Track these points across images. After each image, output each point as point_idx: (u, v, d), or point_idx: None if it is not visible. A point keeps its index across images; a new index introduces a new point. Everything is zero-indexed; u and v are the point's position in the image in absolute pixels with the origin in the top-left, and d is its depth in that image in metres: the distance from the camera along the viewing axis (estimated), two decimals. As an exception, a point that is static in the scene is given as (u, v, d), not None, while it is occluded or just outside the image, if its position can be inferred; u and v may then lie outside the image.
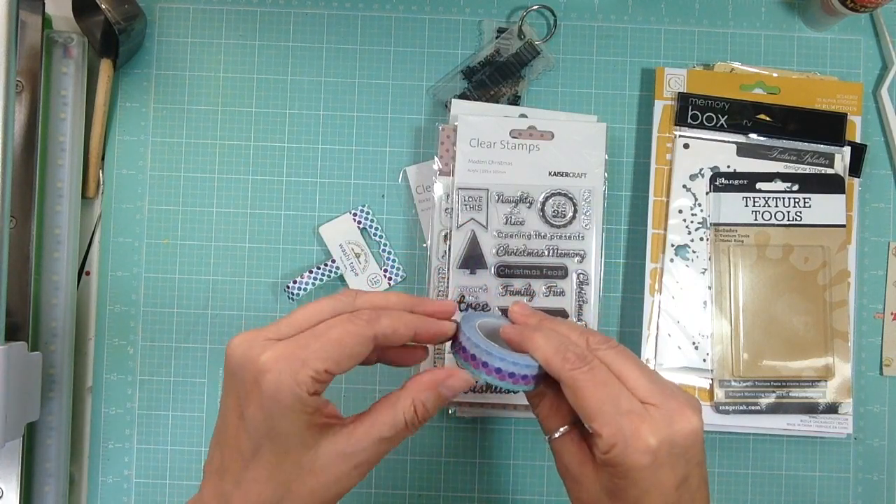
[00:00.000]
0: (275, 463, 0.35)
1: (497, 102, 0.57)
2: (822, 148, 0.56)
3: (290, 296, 0.56)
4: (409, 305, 0.39)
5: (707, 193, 0.56)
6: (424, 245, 0.57)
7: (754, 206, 0.56)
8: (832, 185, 0.56)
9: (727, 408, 0.55)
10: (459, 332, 0.40)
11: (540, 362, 0.37)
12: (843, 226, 0.56)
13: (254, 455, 0.35)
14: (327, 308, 0.37)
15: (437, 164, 0.56)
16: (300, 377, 0.33)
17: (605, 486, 0.36)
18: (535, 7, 0.58)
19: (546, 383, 0.39)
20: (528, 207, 0.55)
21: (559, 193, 0.55)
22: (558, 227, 0.55)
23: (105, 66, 0.56)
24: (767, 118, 0.56)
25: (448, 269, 0.55)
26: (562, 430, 0.39)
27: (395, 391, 0.38)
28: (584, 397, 0.36)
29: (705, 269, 0.56)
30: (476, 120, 0.55)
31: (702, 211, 0.56)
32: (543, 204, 0.55)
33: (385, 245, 0.57)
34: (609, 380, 0.36)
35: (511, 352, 0.39)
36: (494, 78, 0.57)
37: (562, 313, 0.54)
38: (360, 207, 0.58)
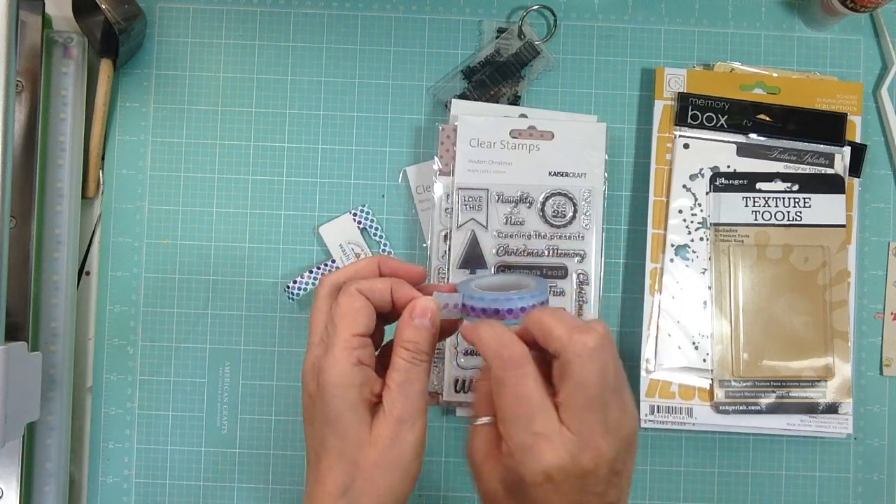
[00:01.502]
0: (340, 447, 0.37)
1: (497, 102, 0.57)
2: (822, 148, 0.56)
3: (290, 296, 0.56)
4: (375, 266, 0.41)
5: (707, 193, 0.56)
6: (424, 245, 0.57)
7: (754, 206, 0.56)
8: (832, 185, 0.56)
9: (727, 408, 0.55)
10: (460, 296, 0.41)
11: (482, 356, 0.38)
12: (843, 226, 0.56)
13: (322, 446, 0.38)
14: (324, 307, 0.40)
15: (437, 164, 0.56)
16: (337, 353, 0.37)
17: (505, 482, 0.37)
18: (535, 7, 0.58)
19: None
20: (528, 207, 0.55)
21: (559, 193, 0.55)
22: (558, 227, 0.55)
23: (105, 66, 0.56)
24: (767, 118, 0.56)
25: (448, 269, 0.55)
26: (485, 419, 0.39)
27: None
28: (503, 402, 0.37)
29: (705, 269, 0.56)
30: (476, 120, 0.55)
31: (702, 211, 0.56)
32: (543, 204, 0.55)
33: (385, 245, 0.57)
34: (534, 392, 0.36)
35: (501, 294, 0.40)
36: (494, 78, 0.57)
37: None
38: (360, 207, 0.58)
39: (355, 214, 0.57)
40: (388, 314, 0.41)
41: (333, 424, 0.37)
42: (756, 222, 0.56)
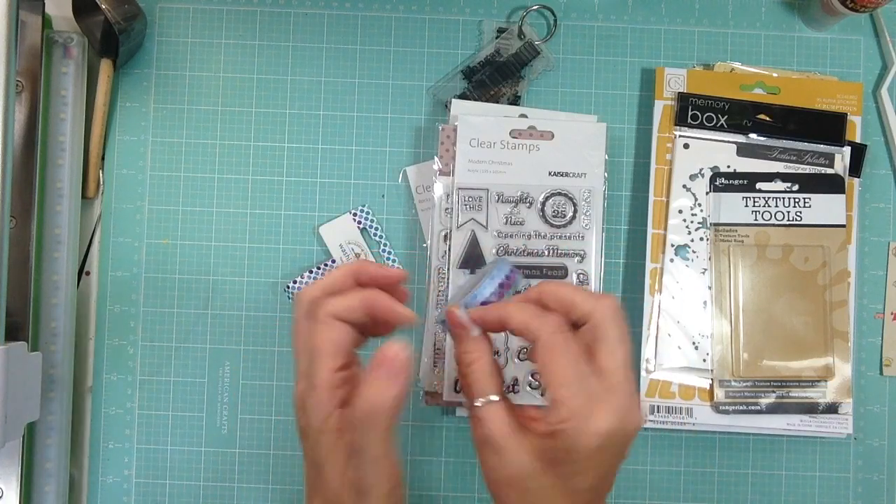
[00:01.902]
0: (322, 486, 0.38)
1: (497, 102, 0.57)
2: (822, 148, 0.56)
3: (290, 296, 0.56)
4: (350, 278, 0.40)
5: (707, 193, 0.56)
6: (424, 245, 0.57)
7: (754, 206, 0.56)
8: (832, 185, 0.56)
9: (727, 408, 0.55)
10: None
11: (517, 329, 0.37)
12: (843, 226, 0.56)
13: (310, 479, 0.39)
14: (303, 329, 0.39)
15: (437, 164, 0.56)
16: (318, 395, 0.37)
17: (542, 456, 0.36)
18: (535, 7, 0.58)
19: (484, 347, 0.39)
20: (528, 207, 0.55)
21: (559, 193, 0.55)
22: (558, 227, 0.55)
23: (105, 66, 0.56)
24: (767, 118, 0.56)
25: (448, 269, 0.55)
26: (493, 397, 0.37)
27: None
28: (555, 362, 0.35)
29: (705, 269, 0.56)
30: (476, 120, 0.55)
31: (702, 211, 0.56)
32: (543, 204, 0.55)
33: (385, 245, 0.57)
34: (581, 355, 0.36)
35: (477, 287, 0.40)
36: (494, 78, 0.57)
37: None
38: (360, 207, 0.58)
39: (355, 214, 0.57)
40: (371, 326, 0.40)
41: (316, 466, 0.38)
42: (756, 222, 0.56)
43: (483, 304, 0.39)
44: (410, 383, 0.37)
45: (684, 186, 0.56)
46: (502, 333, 0.54)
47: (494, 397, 0.37)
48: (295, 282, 0.56)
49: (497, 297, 0.39)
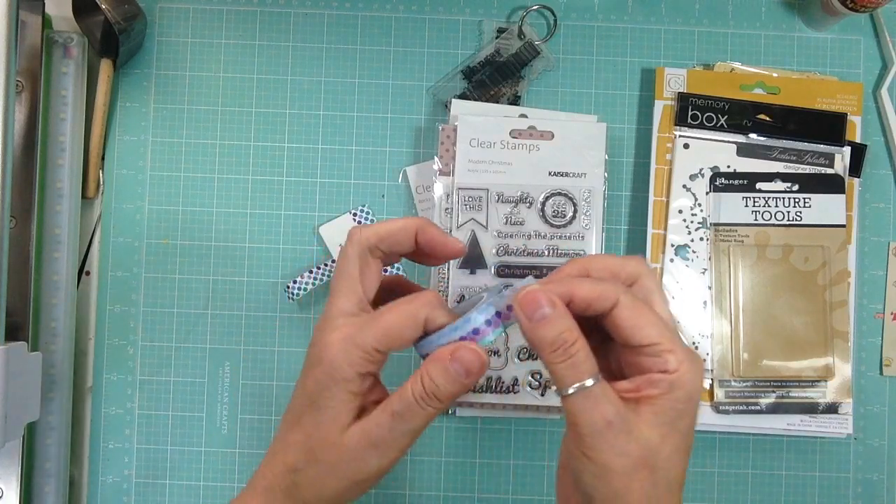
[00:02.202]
0: (310, 431, 0.36)
1: (497, 102, 0.57)
2: (822, 148, 0.56)
3: (290, 296, 0.56)
4: (412, 235, 0.38)
5: (707, 193, 0.56)
6: (424, 245, 0.57)
7: (754, 206, 0.56)
8: (832, 185, 0.56)
9: (727, 408, 0.55)
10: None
11: (586, 299, 0.34)
12: (843, 226, 0.56)
13: (297, 421, 0.37)
14: (353, 270, 0.37)
15: (437, 164, 0.56)
16: (352, 356, 0.35)
17: (660, 422, 0.33)
18: (535, 7, 0.58)
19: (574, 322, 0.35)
20: (528, 207, 0.55)
21: (559, 193, 0.55)
22: (558, 227, 0.55)
23: (105, 66, 0.56)
24: (767, 118, 0.56)
25: (448, 270, 0.55)
26: (598, 376, 0.33)
27: None
28: (644, 317, 0.34)
29: (705, 269, 0.56)
30: (476, 120, 0.55)
31: (702, 211, 0.56)
32: (543, 204, 0.55)
33: (385, 245, 0.57)
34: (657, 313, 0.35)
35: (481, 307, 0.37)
36: (494, 78, 0.57)
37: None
38: (360, 207, 0.58)
39: (355, 214, 0.57)
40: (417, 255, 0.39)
41: (315, 409, 0.36)
42: (756, 222, 0.56)
43: (466, 336, 0.36)
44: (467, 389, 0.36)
45: (684, 186, 0.56)
46: (502, 335, 0.54)
47: (597, 378, 0.33)
48: (295, 282, 0.56)
49: (492, 328, 0.36)
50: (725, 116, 0.56)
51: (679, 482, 0.34)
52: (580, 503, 0.35)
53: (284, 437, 0.38)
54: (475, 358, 0.35)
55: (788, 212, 0.56)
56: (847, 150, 0.56)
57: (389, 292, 0.39)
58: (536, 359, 0.54)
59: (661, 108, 0.57)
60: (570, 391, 0.33)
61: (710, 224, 0.56)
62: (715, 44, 0.59)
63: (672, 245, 0.56)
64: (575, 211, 0.55)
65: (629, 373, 0.35)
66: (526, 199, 0.55)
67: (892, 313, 0.58)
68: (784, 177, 0.56)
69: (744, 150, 0.56)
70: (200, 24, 0.59)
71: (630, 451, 0.33)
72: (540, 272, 0.55)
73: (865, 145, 0.57)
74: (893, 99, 0.59)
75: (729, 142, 0.56)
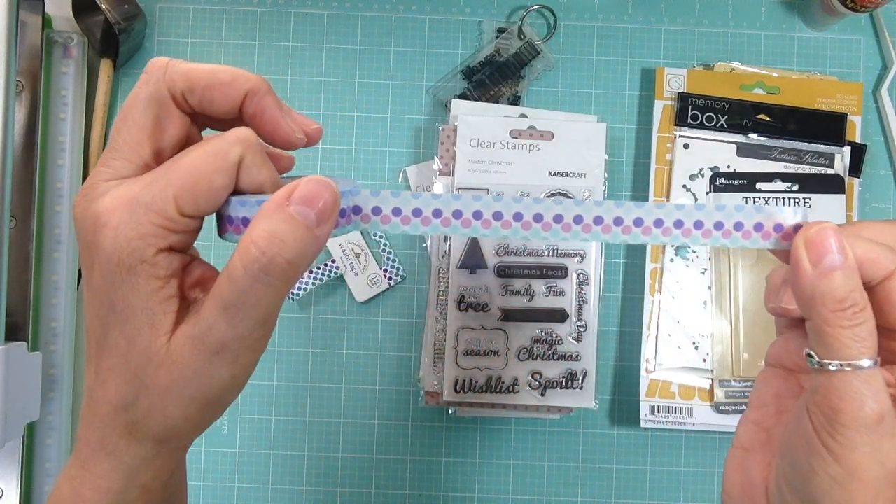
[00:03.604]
0: (125, 348, 0.26)
1: (497, 102, 0.57)
2: (822, 148, 0.56)
3: (291, 296, 0.56)
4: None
5: (707, 193, 0.56)
6: (424, 245, 0.57)
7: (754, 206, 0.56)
8: (832, 185, 0.56)
9: (727, 408, 0.55)
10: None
11: (857, 260, 0.27)
12: (843, 226, 0.56)
13: (105, 337, 0.27)
14: (139, 118, 0.27)
15: (437, 164, 0.56)
16: (143, 226, 0.25)
17: None
18: (535, 7, 0.58)
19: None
20: (528, 207, 0.55)
21: (559, 193, 0.55)
22: (558, 227, 0.55)
23: (105, 66, 0.56)
24: (767, 118, 0.56)
25: (448, 269, 0.55)
26: (878, 360, 0.26)
27: None
28: None
29: (705, 269, 0.56)
30: (476, 120, 0.55)
31: (702, 211, 0.56)
32: (543, 204, 0.55)
33: (385, 245, 0.57)
34: None
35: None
36: (494, 78, 0.57)
37: (562, 313, 0.54)
38: (360, 207, 0.57)
39: (355, 214, 0.57)
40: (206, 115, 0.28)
41: (119, 317, 0.26)
42: (756, 222, 0.56)
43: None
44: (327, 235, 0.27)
45: (684, 186, 0.56)
46: (504, 333, 0.54)
47: (878, 359, 0.26)
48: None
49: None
50: (725, 116, 0.56)
51: None
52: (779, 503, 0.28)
53: (96, 368, 0.27)
54: (322, 188, 0.25)
55: (788, 212, 0.56)
56: (847, 150, 0.56)
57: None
58: (536, 358, 0.54)
59: (661, 108, 0.57)
60: (838, 366, 0.26)
61: (710, 224, 0.56)
62: (715, 44, 0.59)
63: (672, 245, 0.56)
64: (575, 211, 0.55)
65: (887, 361, 0.29)
66: (526, 199, 0.55)
67: (892, 313, 0.58)
68: (784, 177, 0.56)
69: (744, 150, 0.56)
70: (200, 24, 0.59)
71: (889, 459, 0.26)
72: (540, 272, 0.55)
73: (865, 145, 0.57)
74: (893, 99, 0.59)
75: (729, 142, 0.57)
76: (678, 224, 0.29)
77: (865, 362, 0.26)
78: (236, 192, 0.27)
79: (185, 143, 0.28)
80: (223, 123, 0.29)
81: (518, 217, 0.29)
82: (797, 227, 0.29)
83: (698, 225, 0.29)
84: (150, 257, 0.25)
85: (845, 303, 0.26)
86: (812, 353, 0.27)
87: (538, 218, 0.29)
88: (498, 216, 0.29)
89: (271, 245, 0.25)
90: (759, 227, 0.29)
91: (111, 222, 0.25)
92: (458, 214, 0.29)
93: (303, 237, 0.25)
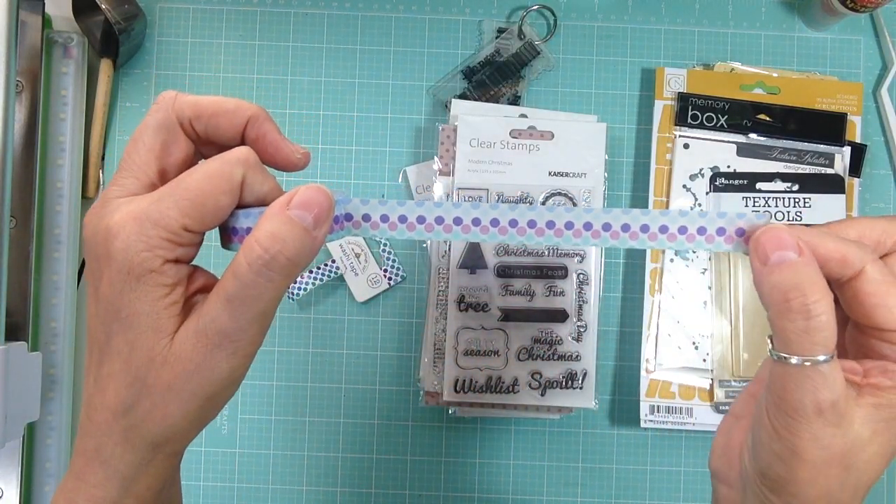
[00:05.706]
0: (126, 353, 0.28)
1: (497, 102, 0.57)
2: (822, 148, 0.56)
3: (290, 296, 0.56)
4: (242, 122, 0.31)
5: (707, 193, 0.56)
6: (424, 245, 0.57)
7: (754, 206, 0.56)
8: (832, 185, 0.56)
9: (727, 408, 0.54)
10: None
11: (823, 258, 0.29)
12: (843, 226, 0.56)
13: (107, 343, 0.29)
14: (152, 142, 0.30)
15: (437, 164, 0.56)
16: (152, 239, 0.27)
17: (875, 419, 0.29)
18: (535, 7, 0.58)
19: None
20: (528, 207, 0.55)
21: (559, 193, 0.55)
22: (558, 227, 0.55)
23: (105, 66, 0.56)
24: (767, 118, 0.56)
25: (448, 269, 0.55)
26: (834, 354, 0.28)
27: None
28: (893, 294, 0.29)
29: (705, 269, 0.56)
30: (476, 120, 0.55)
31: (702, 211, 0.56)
32: (543, 204, 0.55)
33: (385, 245, 0.57)
34: None
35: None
36: (494, 78, 0.57)
37: (562, 313, 0.54)
38: (360, 207, 0.57)
39: (355, 214, 0.57)
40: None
41: (124, 322, 0.28)
42: (756, 222, 0.56)
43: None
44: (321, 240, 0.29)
45: (684, 186, 0.56)
46: (504, 333, 0.54)
47: (835, 353, 0.28)
48: (295, 282, 0.56)
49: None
50: (725, 116, 0.56)
51: (868, 486, 0.30)
52: (747, 469, 0.31)
53: (96, 376, 0.29)
54: (318, 195, 0.29)
55: (788, 212, 0.56)
56: (847, 150, 0.56)
57: None
58: (536, 358, 0.54)
59: (661, 108, 0.57)
60: (794, 360, 0.27)
61: (710, 224, 0.56)
62: (715, 44, 0.59)
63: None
64: (575, 211, 0.55)
65: (855, 353, 0.30)
66: (526, 199, 0.55)
67: (892, 313, 0.58)
68: (784, 177, 0.56)
69: (744, 150, 0.56)
70: (200, 24, 0.59)
71: (831, 445, 0.28)
72: (540, 272, 0.55)
73: (865, 145, 0.57)
74: (893, 99, 0.59)
75: (729, 142, 0.57)
76: (644, 228, 0.32)
77: (822, 357, 0.27)
78: (239, 206, 0.29)
79: (188, 166, 0.31)
80: (224, 151, 0.31)
81: (495, 223, 0.31)
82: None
83: (663, 229, 0.31)
84: (157, 267, 0.28)
85: (790, 298, 0.27)
86: (770, 342, 0.29)
87: (507, 223, 0.32)
88: (476, 222, 0.31)
89: (273, 243, 0.27)
90: (721, 231, 0.31)
91: (122, 234, 0.27)
92: (440, 220, 0.31)
93: (301, 237, 0.28)
